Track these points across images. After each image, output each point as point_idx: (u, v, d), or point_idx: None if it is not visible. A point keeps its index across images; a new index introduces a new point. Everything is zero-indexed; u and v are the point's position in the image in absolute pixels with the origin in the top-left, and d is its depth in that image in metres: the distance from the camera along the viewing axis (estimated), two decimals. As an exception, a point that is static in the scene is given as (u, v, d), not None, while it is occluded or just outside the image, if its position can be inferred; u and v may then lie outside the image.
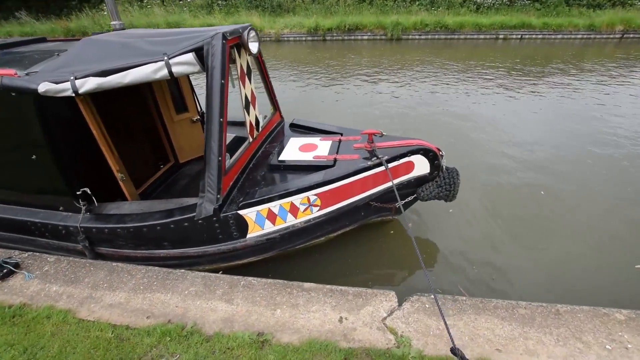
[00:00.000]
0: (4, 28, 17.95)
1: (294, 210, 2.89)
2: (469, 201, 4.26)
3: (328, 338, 2.22)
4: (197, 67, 2.45)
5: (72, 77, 2.33)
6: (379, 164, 2.93)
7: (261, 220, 2.86)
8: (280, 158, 3.22)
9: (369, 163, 2.92)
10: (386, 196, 3.24)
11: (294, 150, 3.35)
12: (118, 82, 2.36)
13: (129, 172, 3.26)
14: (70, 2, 19.43)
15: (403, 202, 3.35)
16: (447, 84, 9.19)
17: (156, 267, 2.87)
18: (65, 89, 2.36)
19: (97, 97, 3.05)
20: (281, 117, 4.15)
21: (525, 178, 4.83)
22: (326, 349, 2.14)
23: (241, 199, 2.79)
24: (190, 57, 2.40)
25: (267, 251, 3.16)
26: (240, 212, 2.76)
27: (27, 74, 2.45)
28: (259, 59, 3.50)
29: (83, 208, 2.89)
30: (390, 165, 2.99)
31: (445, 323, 1.90)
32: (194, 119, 4.18)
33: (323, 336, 2.23)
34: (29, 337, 2.31)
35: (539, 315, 2.31)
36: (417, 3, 16.90)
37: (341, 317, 2.35)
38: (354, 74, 10.49)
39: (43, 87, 2.36)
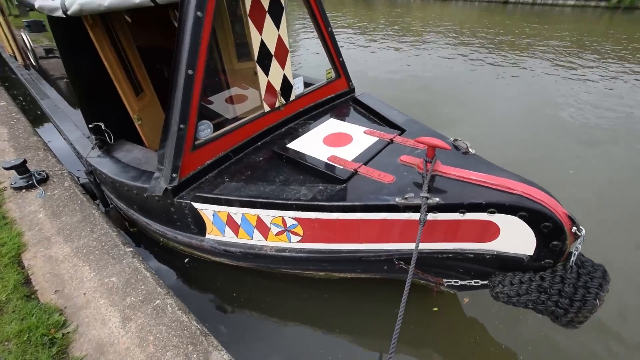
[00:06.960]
0: None
1: (262, 228, 1.90)
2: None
3: None
4: None
5: None
6: (416, 208, 1.54)
7: (220, 225, 2.01)
8: (288, 145, 2.20)
9: (401, 201, 1.55)
10: (427, 260, 1.81)
11: (316, 138, 2.23)
12: (99, 4, 1.84)
13: None
14: None
15: (459, 282, 1.86)
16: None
17: (114, 234, 2.47)
18: (55, 7, 2.01)
19: (134, 32, 2.73)
20: (349, 86, 2.98)
21: None
22: None
23: (201, 189, 1.99)
24: None
25: (239, 260, 2.32)
26: (194, 204, 1.97)
27: None
28: (311, 2, 2.43)
29: (94, 142, 2.70)
30: (441, 216, 1.55)
31: None
32: None
33: None
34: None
35: None
36: None
37: None
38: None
39: (37, 3, 2.07)
